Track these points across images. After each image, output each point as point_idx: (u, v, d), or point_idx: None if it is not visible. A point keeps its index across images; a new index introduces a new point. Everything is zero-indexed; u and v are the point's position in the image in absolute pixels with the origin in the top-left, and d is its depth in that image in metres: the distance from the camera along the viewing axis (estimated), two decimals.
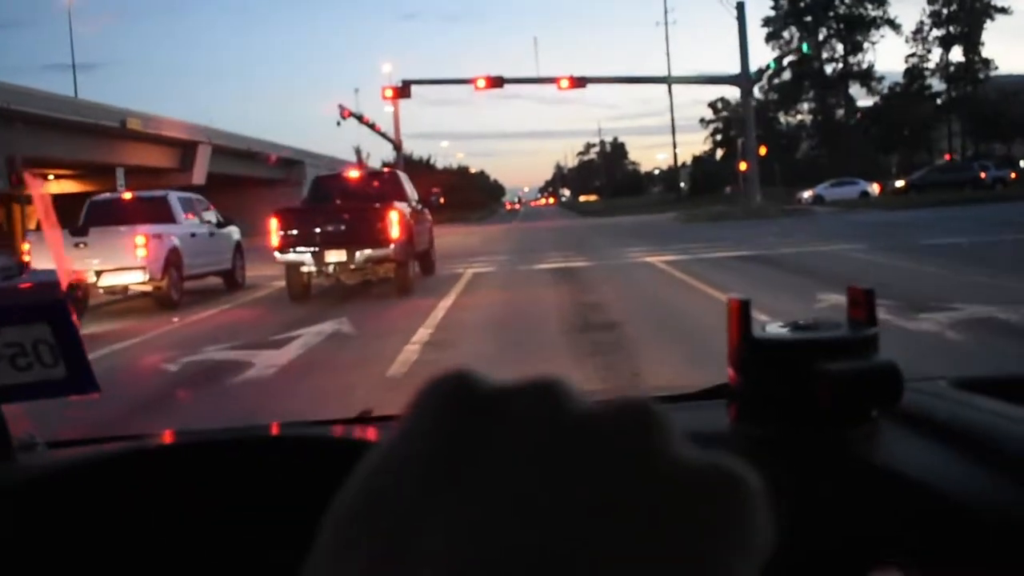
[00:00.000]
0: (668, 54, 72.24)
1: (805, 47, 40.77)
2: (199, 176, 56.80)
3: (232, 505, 0.74)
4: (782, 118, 79.25)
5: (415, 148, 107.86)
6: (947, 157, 69.52)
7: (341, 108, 42.11)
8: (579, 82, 35.49)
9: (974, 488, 0.63)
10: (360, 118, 45.44)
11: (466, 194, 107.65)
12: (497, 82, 35.33)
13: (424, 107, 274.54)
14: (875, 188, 47.65)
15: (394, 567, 0.23)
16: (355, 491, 0.25)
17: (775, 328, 0.77)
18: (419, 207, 15.24)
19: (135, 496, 0.72)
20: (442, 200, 16.30)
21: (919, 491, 0.64)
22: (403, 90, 36.30)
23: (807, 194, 47.63)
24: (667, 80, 37.89)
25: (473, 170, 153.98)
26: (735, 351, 0.75)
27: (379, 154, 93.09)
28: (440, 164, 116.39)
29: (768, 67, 34.28)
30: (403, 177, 14.97)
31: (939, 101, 69.67)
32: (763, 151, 41.52)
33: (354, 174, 14.89)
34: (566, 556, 0.22)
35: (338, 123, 42.13)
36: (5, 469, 0.79)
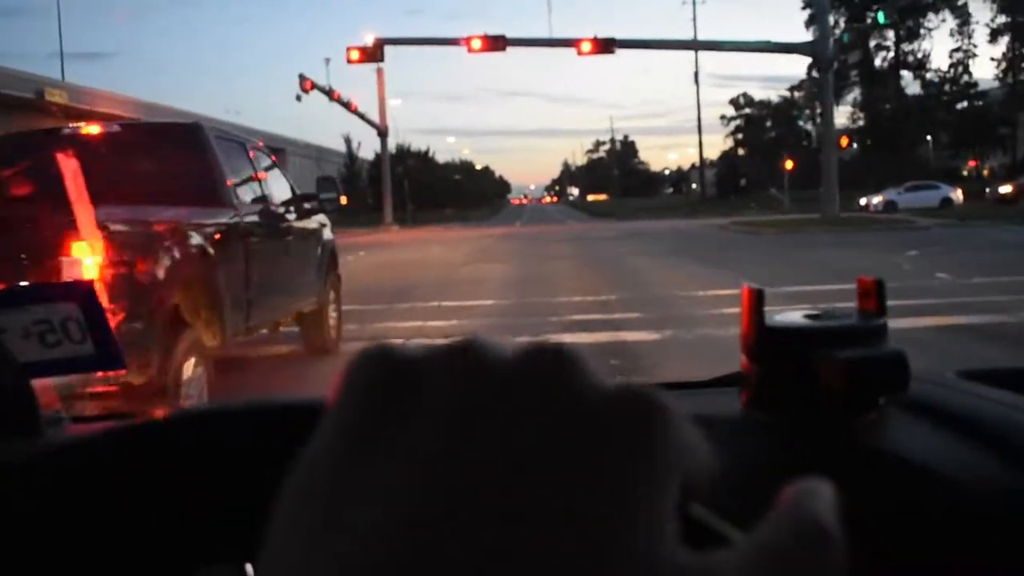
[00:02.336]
0: (695, 31, 63.13)
1: None
2: None
3: (254, 476, 0.69)
4: (807, 119, 71.22)
5: (419, 143, 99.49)
6: (972, 163, 61.47)
7: (302, 78, 33.39)
8: (604, 45, 26.92)
9: (979, 475, 0.65)
10: (329, 93, 36.73)
11: (468, 190, 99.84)
12: (497, 43, 26.79)
13: (431, 102, 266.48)
14: (959, 194, 39.16)
15: (331, 535, 0.23)
16: (295, 470, 0.26)
17: (787, 317, 0.77)
18: (288, 214, 6.70)
19: (157, 469, 0.73)
20: (342, 199, 7.61)
21: (924, 476, 0.67)
22: (374, 51, 27.73)
23: (876, 199, 39.30)
24: (720, 46, 29.29)
25: (478, 167, 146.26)
26: (747, 339, 0.77)
27: (374, 143, 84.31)
28: (445, 159, 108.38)
29: (879, 21, 24.86)
30: (218, 142, 5.93)
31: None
32: (844, 142, 32.87)
33: (93, 130, 5.93)
34: (492, 502, 0.23)
35: (298, 97, 33.51)
36: (34, 443, 0.81)
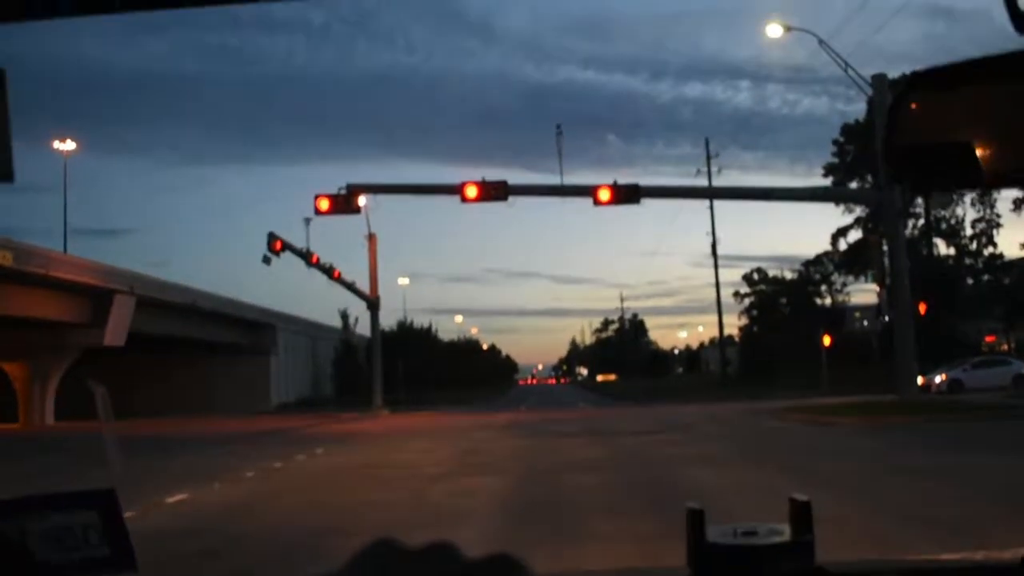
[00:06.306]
0: (712, 214, 59.01)
1: None
2: (115, 335, 43.05)
3: None
4: (826, 294, 66.79)
5: (425, 322, 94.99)
6: (989, 339, 56.19)
7: (271, 237, 28.60)
8: (625, 194, 22.20)
9: None
10: (306, 256, 31.92)
11: (471, 369, 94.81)
12: (497, 189, 22.08)
13: (440, 284, 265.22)
14: None
15: None
16: None
17: (725, 534, 0.88)
18: None
19: None
20: None
21: None
22: (348, 201, 23.00)
23: (938, 379, 33.76)
24: (769, 194, 24.69)
25: (485, 345, 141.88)
26: (691, 553, 0.87)
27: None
28: (451, 338, 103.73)
29: None
30: None
31: None
32: (923, 308, 27.78)
33: None
34: None
35: (266, 259, 28.61)
36: None
